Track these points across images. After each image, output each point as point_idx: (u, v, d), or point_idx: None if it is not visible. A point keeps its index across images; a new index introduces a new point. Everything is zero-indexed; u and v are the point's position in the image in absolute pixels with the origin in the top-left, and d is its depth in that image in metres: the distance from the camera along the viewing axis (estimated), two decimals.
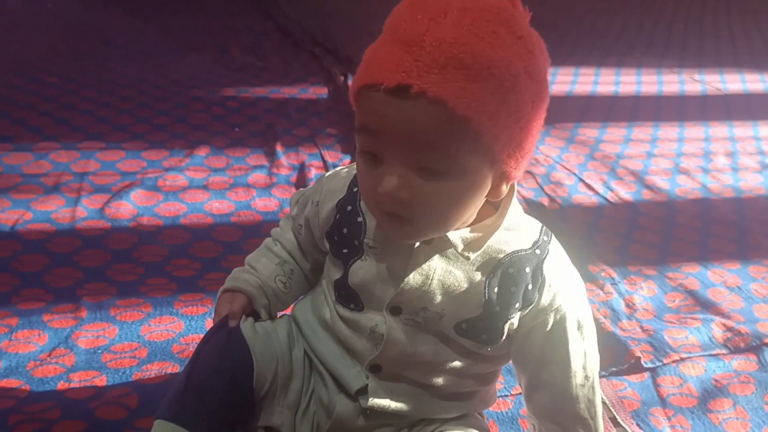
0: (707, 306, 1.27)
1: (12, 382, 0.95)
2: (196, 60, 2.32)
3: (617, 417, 1.00)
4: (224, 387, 0.75)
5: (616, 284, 1.31)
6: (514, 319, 0.74)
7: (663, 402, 1.04)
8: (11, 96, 1.90)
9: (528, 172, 1.73)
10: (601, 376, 1.07)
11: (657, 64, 2.74)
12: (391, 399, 0.78)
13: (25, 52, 2.25)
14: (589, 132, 2.03)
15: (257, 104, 1.98)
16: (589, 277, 1.32)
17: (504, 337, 0.75)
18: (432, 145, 0.61)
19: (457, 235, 0.70)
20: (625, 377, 1.08)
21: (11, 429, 0.87)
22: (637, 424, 0.99)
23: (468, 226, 0.71)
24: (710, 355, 1.14)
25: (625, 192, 1.69)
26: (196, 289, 1.18)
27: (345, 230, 0.76)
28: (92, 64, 2.19)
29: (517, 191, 1.60)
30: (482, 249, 0.71)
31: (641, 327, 1.19)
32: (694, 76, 2.65)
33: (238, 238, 1.36)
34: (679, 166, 1.87)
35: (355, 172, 0.77)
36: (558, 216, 1.54)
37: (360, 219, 0.75)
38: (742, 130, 2.17)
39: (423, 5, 0.62)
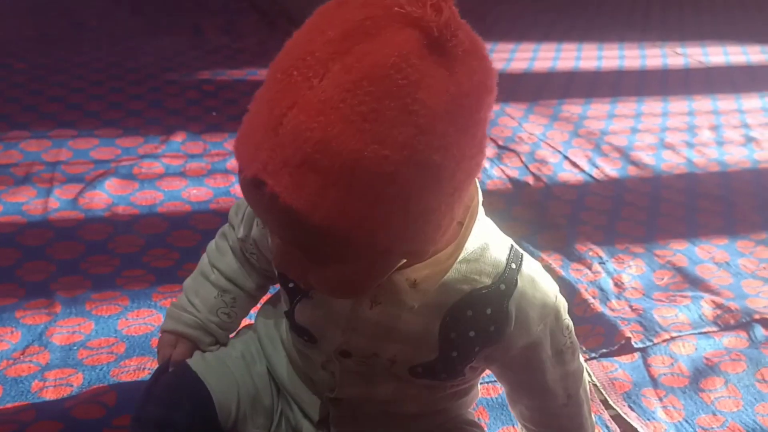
0: (696, 283, 1.26)
1: None
2: (169, 42, 2.25)
3: (609, 399, 0.98)
4: (186, 422, 0.71)
5: (603, 263, 1.29)
6: (476, 359, 0.67)
7: (654, 382, 1.02)
8: None
9: (512, 150, 1.71)
10: (591, 358, 1.05)
11: (639, 38, 2.72)
12: (357, 426, 0.74)
13: None
14: (572, 109, 2.01)
15: (234, 87, 1.93)
16: (576, 257, 1.30)
17: (467, 374, 0.69)
18: (295, 239, 0.54)
19: (403, 278, 0.61)
20: (615, 358, 1.06)
21: None
22: (629, 406, 0.98)
23: (420, 261, 0.61)
24: (700, 333, 1.12)
25: (610, 169, 1.67)
26: (174, 280, 1.14)
27: None
28: (61, 47, 2.12)
29: (502, 170, 1.59)
30: (435, 288, 0.62)
31: (630, 306, 1.18)
32: (676, 49, 2.63)
33: (217, 225, 1.28)
34: (664, 141, 1.86)
35: None
36: (543, 194, 1.52)
37: None
38: (725, 103, 2.16)
39: (309, 50, 0.50)
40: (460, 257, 0.62)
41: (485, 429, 0.83)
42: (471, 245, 0.63)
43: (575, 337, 0.71)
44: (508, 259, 0.65)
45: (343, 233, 0.50)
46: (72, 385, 0.92)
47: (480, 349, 0.66)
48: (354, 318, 0.66)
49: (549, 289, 0.67)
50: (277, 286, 0.75)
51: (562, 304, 0.69)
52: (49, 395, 0.90)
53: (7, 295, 1.07)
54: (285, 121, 0.49)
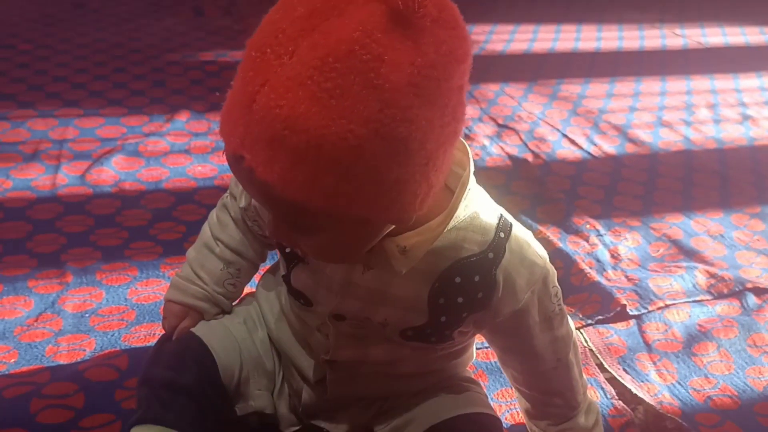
0: (691, 254, 1.29)
1: (0, 348, 0.95)
2: (170, 23, 2.27)
3: (604, 363, 1.01)
4: (192, 383, 0.74)
5: (601, 236, 1.32)
6: (465, 324, 0.70)
7: (649, 347, 1.05)
8: None
9: (511, 129, 1.73)
10: (587, 324, 1.08)
11: (638, 19, 2.73)
12: (353, 387, 0.77)
13: None
14: (571, 88, 2.03)
15: (236, 67, 1.93)
16: (573, 230, 1.33)
17: (455, 338, 0.72)
18: (279, 211, 0.57)
19: (393, 245, 0.63)
20: (611, 325, 1.09)
21: (0, 392, 0.87)
22: (624, 369, 1.01)
23: (410, 229, 0.62)
24: (694, 302, 1.15)
25: (608, 146, 1.69)
26: (181, 252, 1.16)
27: None
28: (65, 28, 2.14)
29: (502, 148, 1.61)
30: (425, 255, 0.64)
31: (626, 276, 1.21)
32: (675, 30, 2.64)
33: None
34: (662, 119, 1.88)
35: None
36: (542, 171, 1.54)
37: None
38: (723, 82, 2.18)
39: (281, 28, 0.52)
40: (450, 225, 0.64)
41: (482, 385, 0.85)
42: (461, 214, 0.65)
43: (563, 304, 0.73)
44: (497, 228, 0.66)
45: (318, 206, 0.52)
46: (85, 350, 0.95)
47: (468, 315, 0.68)
48: (347, 283, 0.68)
49: (537, 258, 0.69)
50: (277, 253, 0.78)
51: (551, 271, 0.71)
52: (63, 359, 0.94)
53: (20, 266, 1.10)
54: (258, 98, 0.50)
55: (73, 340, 0.97)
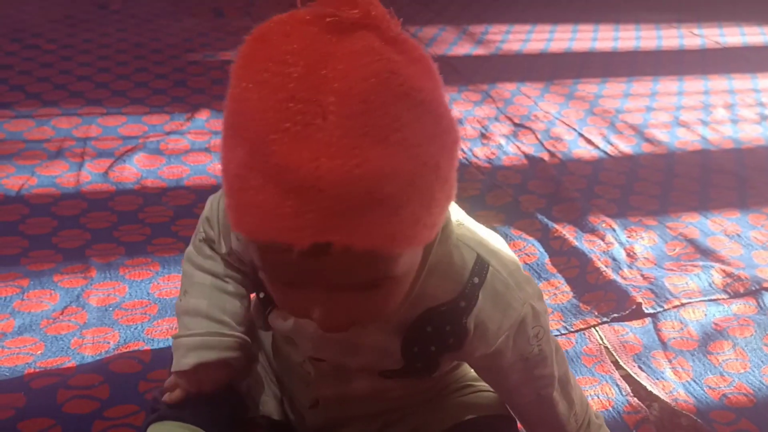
0: (707, 254, 1.29)
1: (26, 340, 0.97)
2: (191, 23, 2.30)
3: (619, 360, 1.02)
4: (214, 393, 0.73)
5: (617, 235, 1.32)
6: (443, 365, 0.68)
7: (664, 345, 1.06)
8: (8, 62, 1.89)
9: (527, 128, 1.74)
10: (602, 322, 1.09)
11: (655, 18, 2.72)
12: (345, 412, 0.76)
13: (19, 18, 2.23)
14: (588, 88, 2.03)
15: None
16: (589, 229, 1.34)
17: (439, 371, 0.69)
18: (363, 282, 0.52)
19: None
20: (626, 323, 1.10)
21: (27, 383, 0.89)
22: (639, 367, 1.02)
23: None
24: (710, 300, 1.16)
25: (624, 145, 1.70)
26: None
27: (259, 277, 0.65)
28: (87, 29, 2.18)
29: (518, 147, 1.62)
30: (395, 311, 0.60)
31: (642, 275, 1.21)
32: (692, 30, 2.64)
33: None
34: (679, 119, 1.88)
35: None
36: (558, 170, 1.55)
37: None
38: (741, 82, 2.17)
39: (282, 95, 0.46)
40: (423, 273, 0.61)
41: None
42: (434, 257, 0.61)
43: (549, 344, 0.68)
44: (471, 273, 0.63)
45: (405, 251, 0.51)
46: (109, 343, 0.98)
47: (443, 357, 0.67)
48: (319, 334, 0.63)
49: (515, 300, 0.64)
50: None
51: (532, 312, 0.65)
52: (88, 352, 0.96)
53: (46, 261, 1.13)
54: (320, 174, 0.45)
55: (98, 333, 0.99)
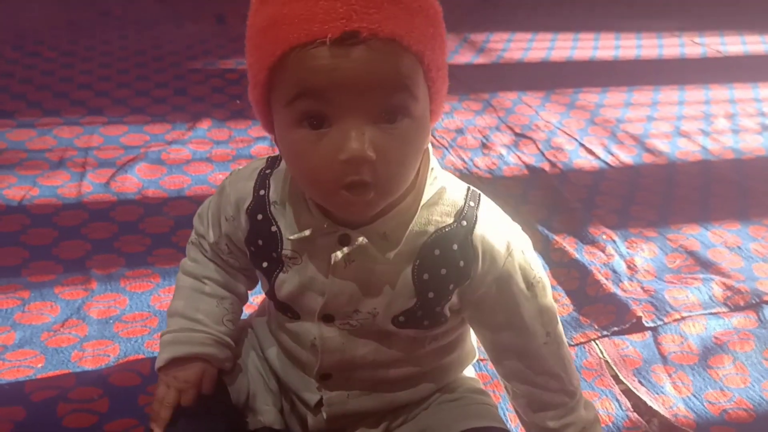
0: (707, 266, 1.29)
1: (27, 353, 0.97)
2: (192, 30, 2.31)
3: (619, 374, 1.02)
4: (205, 402, 0.75)
5: (617, 246, 1.32)
6: (454, 298, 0.70)
7: (664, 360, 1.06)
8: (9, 70, 1.90)
9: (528, 138, 1.74)
10: (602, 336, 1.09)
11: (657, 27, 2.73)
12: (350, 406, 0.77)
13: (20, 25, 2.24)
14: (589, 97, 2.03)
15: None
16: (590, 240, 1.34)
17: (448, 317, 0.72)
18: (393, 84, 0.58)
19: (373, 231, 0.66)
20: (626, 336, 1.10)
21: (28, 396, 0.90)
22: (639, 381, 1.01)
23: (384, 214, 0.65)
24: (710, 314, 1.16)
25: (625, 156, 1.70)
26: None
27: (260, 242, 0.71)
28: (88, 36, 2.18)
29: (519, 157, 1.62)
30: (404, 238, 0.66)
31: (642, 287, 1.21)
32: (694, 38, 2.64)
33: None
34: (680, 129, 1.88)
35: (258, 167, 0.72)
36: (559, 180, 1.55)
37: (274, 229, 0.70)
38: (742, 92, 2.17)
39: None
40: (421, 203, 0.67)
41: (490, 396, 0.84)
42: (429, 191, 0.67)
43: (545, 273, 0.73)
44: (466, 198, 0.69)
45: (426, 61, 0.59)
46: (109, 356, 0.98)
47: (454, 287, 0.69)
48: (331, 280, 0.68)
49: (510, 225, 0.72)
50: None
51: (526, 239, 0.72)
52: (88, 364, 0.96)
53: (46, 272, 1.13)
54: None
55: (98, 346, 1.00)
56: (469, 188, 0.71)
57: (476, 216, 0.68)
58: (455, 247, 0.68)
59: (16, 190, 1.35)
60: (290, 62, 0.57)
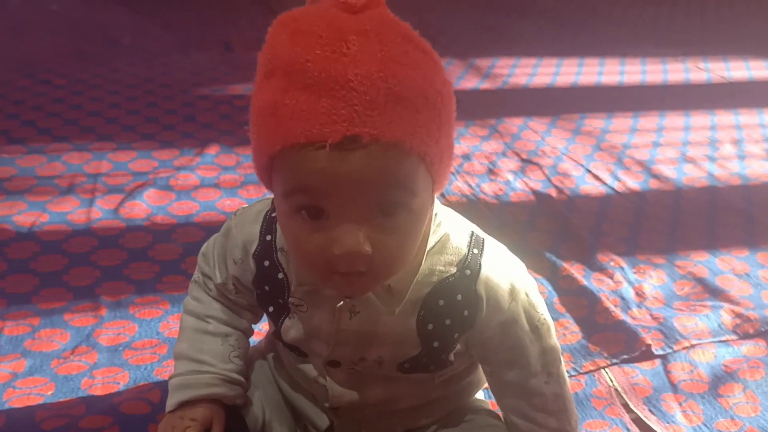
0: (716, 293, 1.29)
1: (37, 380, 0.97)
2: (200, 57, 2.33)
3: (629, 403, 1.02)
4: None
5: (625, 273, 1.32)
6: (459, 345, 0.71)
7: (674, 388, 1.06)
8: (20, 98, 1.92)
9: (535, 164, 1.75)
10: (612, 364, 1.09)
11: (661, 53, 2.75)
12: (362, 429, 0.78)
13: (31, 53, 2.26)
14: (594, 123, 2.04)
15: None
16: (598, 267, 1.34)
17: (453, 360, 0.72)
18: (391, 186, 0.57)
19: (379, 285, 0.65)
20: (636, 364, 1.09)
21: (39, 425, 0.89)
22: (649, 410, 1.01)
23: None
24: (720, 342, 1.15)
25: (632, 182, 1.70)
26: None
27: (266, 287, 0.72)
28: (98, 64, 2.20)
29: (525, 183, 1.63)
30: (408, 290, 0.67)
31: (651, 315, 1.21)
32: (698, 64, 2.66)
33: None
34: (686, 154, 1.88)
35: (263, 210, 0.72)
36: (566, 207, 1.56)
37: (281, 276, 0.70)
38: (747, 117, 2.18)
39: (310, 37, 0.55)
40: (425, 252, 0.67)
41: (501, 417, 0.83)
42: (432, 239, 0.67)
43: (548, 314, 0.74)
44: (469, 246, 0.69)
45: (429, 159, 0.58)
46: (119, 383, 0.98)
47: (459, 336, 0.70)
48: (336, 330, 0.69)
49: (515, 269, 0.72)
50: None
51: (531, 283, 0.73)
52: (98, 392, 0.96)
53: (56, 299, 1.14)
54: (350, 77, 0.54)
55: (108, 374, 1.00)
56: (472, 234, 0.70)
57: (480, 264, 0.68)
58: (459, 297, 0.68)
59: (26, 216, 1.36)
60: (289, 158, 0.56)
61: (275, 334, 0.76)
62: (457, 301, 0.68)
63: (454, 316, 0.68)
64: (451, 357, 0.72)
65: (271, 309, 0.73)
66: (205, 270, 0.79)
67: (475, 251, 0.69)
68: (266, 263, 0.71)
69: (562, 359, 0.76)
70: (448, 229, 0.69)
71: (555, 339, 0.75)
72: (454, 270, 0.68)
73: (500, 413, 0.80)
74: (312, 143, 0.54)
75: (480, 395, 0.87)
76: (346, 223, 0.57)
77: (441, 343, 0.70)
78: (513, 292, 0.70)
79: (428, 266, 0.67)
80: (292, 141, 0.55)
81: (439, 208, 0.69)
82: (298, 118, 0.55)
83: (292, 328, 0.72)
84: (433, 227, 0.68)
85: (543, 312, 0.73)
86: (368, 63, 0.54)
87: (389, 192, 0.57)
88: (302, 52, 0.55)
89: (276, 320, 0.73)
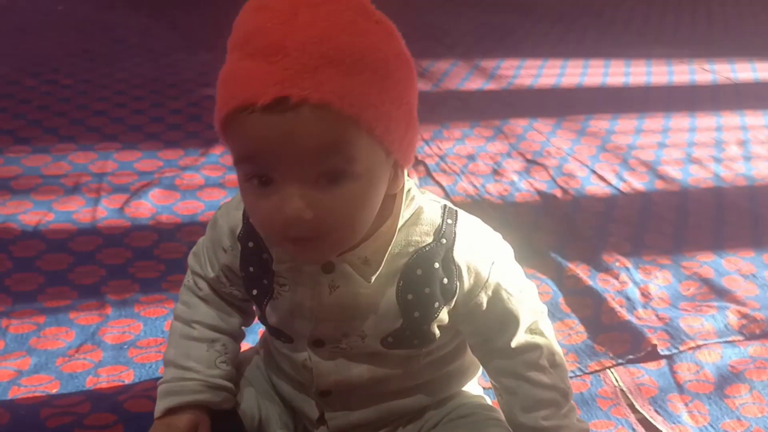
0: (722, 294, 1.28)
1: (42, 378, 0.98)
2: (205, 57, 2.33)
3: (635, 403, 1.01)
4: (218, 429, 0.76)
5: (630, 274, 1.32)
6: (442, 315, 0.71)
7: (680, 388, 1.05)
8: (26, 97, 1.92)
9: (540, 164, 1.74)
10: (617, 364, 1.09)
11: (666, 54, 2.74)
12: (352, 419, 0.78)
13: (37, 53, 2.27)
14: (600, 124, 2.04)
15: None
16: (603, 267, 1.33)
17: (438, 335, 0.72)
18: (326, 150, 0.58)
19: (355, 257, 0.67)
20: (641, 365, 1.09)
21: (43, 422, 0.90)
22: (655, 410, 1.01)
23: (364, 240, 0.66)
24: (726, 342, 1.15)
25: (637, 182, 1.70)
26: None
27: (251, 269, 0.73)
28: (104, 64, 2.21)
29: (530, 183, 1.63)
30: (384, 261, 0.67)
31: (657, 315, 1.21)
32: (704, 65, 2.65)
33: None
34: (691, 155, 1.88)
35: None
36: (571, 207, 1.55)
37: (265, 256, 0.71)
38: (753, 118, 2.17)
39: (267, 11, 0.58)
40: (399, 225, 0.68)
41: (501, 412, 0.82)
42: (406, 213, 0.69)
43: (527, 279, 0.76)
44: (443, 216, 0.70)
45: (366, 120, 0.58)
46: (124, 381, 0.98)
47: (440, 305, 0.70)
48: (317, 306, 0.70)
49: (490, 236, 0.74)
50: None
51: (508, 248, 0.75)
52: (103, 390, 0.96)
53: (61, 297, 1.14)
54: (287, 42, 0.56)
55: (113, 372, 1.00)
56: (445, 206, 0.72)
57: (455, 232, 0.70)
58: (437, 265, 0.69)
59: (31, 215, 1.37)
60: (232, 125, 0.59)
61: (261, 319, 0.76)
62: (435, 270, 0.69)
63: (434, 285, 0.69)
64: (435, 329, 0.72)
65: (255, 292, 0.73)
66: (196, 269, 0.79)
67: (449, 221, 0.70)
68: (250, 244, 0.72)
69: (548, 318, 0.77)
70: (422, 203, 0.70)
71: (539, 299, 0.77)
72: (429, 239, 0.69)
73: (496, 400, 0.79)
74: (246, 107, 0.56)
75: (477, 389, 0.86)
76: (287, 189, 0.59)
77: (422, 312, 0.70)
78: (492, 258, 0.71)
79: (404, 237, 0.69)
80: (232, 106, 0.57)
81: (411, 185, 0.70)
82: (238, 83, 0.57)
83: (276, 309, 0.73)
84: (406, 201, 0.69)
85: (522, 276, 0.75)
86: (308, 30, 0.56)
87: (323, 156, 0.58)
88: (255, 24, 0.58)
89: (260, 302, 0.74)
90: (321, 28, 0.57)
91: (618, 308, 1.19)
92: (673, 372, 1.08)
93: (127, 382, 0.98)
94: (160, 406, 0.76)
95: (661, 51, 2.77)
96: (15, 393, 0.95)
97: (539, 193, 1.61)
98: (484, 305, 0.72)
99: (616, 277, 1.30)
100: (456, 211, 0.72)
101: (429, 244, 0.69)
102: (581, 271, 1.30)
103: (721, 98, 2.33)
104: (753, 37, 3.10)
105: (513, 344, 0.74)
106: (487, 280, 0.71)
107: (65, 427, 0.88)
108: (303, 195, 0.59)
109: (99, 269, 1.22)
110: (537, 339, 0.75)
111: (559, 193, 1.61)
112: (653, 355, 1.10)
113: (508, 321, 0.73)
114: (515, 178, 1.67)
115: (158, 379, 0.97)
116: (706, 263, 1.38)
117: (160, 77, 2.13)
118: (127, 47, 2.40)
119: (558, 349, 0.77)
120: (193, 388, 0.76)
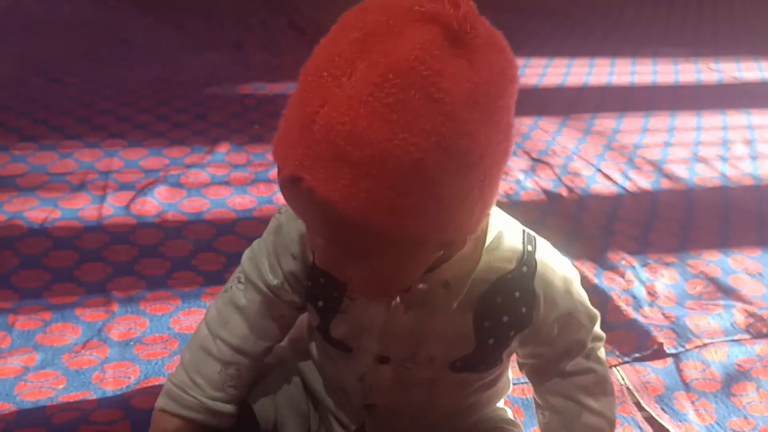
0: (729, 292, 1.28)
1: (49, 374, 0.98)
2: (211, 57, 2.33)
3: (641, 401, 1.01)
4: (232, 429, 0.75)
5: (636, 272, 1.32)
6: (514, 343, 0.71)
7: (686, 387, 1.05)
8: (32, 96, 1.93)
9: (545, 163, 1.74)
10: (624, 362, 1.08)
11: (672, 53, 2.73)
12: (393, 429, 0.77)
13: (44, 53, 2.28)
14: (605, 123, 2.04)
15: (274, 101, 2.00)
16: (609, 266, 1.33)
17: (504, 360, 0.73)
18: (334, 235, 0.56)
19: (434, 279, 0.64)
20: (648, 363, 1.09)
21: (49, 418, 0.90)
22: (662, 408, 1.00)
23: (444, 261, 0.63)
24: (732, 341, 1.14)
25: (643, 181, 1.69)
26: (222, 282, 1.16)
27: (322, 279, 0.70)
28: (110, 63, 2.22)
29: (536, 182, 1.63)
30: (466, 287, 0.65)
31: (663, 314, 1.20)
32: (710, 64, 2.64)
33: (261, 231, 1.36)
34: (697, 155, 1.87)
35: None
36: (577, 206, 1.55)
37: None
38: (759, 118, 2.16)
39: (336, 52, 0.53)
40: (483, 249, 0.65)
41: (521, 427, 0.85)
42: (488, 236, 0.66)
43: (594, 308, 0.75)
44: (524, 243, 0.68)
45: (377, 224, 0.52)
46: (130, 377, 0.98)
47: (515, 333, 0.69)
48: (389, 325, 0.68)
49: (565, 264, 0.72)
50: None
51: (576, 274, 0.73)
52: (109, 386, 0.96)
53: (68, 294, 1.14)
54: (317, 118, 0.51)
55: (119, 368, 1.00)
56: (524, 231, 0.70)
57: (535, 260, 0.68)
58: (517, 294, 0.68)
59: (38, 212, 1.37)
60: None
61: (319, 329, 0.73)
62: (515, 298, 0.67)
63: (512, 313, 0.68)
64: (504, 355, 0.71)
65: (320, 303, 0.71)
66: (252, 276, 0.74)
67: (530, 248, 0.68)
68: None
69: (603, 346, 0.76)
70: (501, 227, 0.68)
71: (599, 327, 0.76)
72: (512, 267, 0.67)
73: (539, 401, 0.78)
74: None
75: (500, 404, 0.86)
76: (317, 239, 0.59)
77: (496, 340, 0.69)
78: (567, 287, 0.70)
79: (485, 263, 0.66)
80: (274, 157, 0.57)
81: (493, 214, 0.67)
82: (278, 138, 0.56)
83: (343, 323, 0.70)
84: (486, 225, 0.66)
85: (589, 303, 0.74)
86: (342, 109, 0.51)
87: (333, 239, 0.57)
88: (317, 63, 0.54)
89: (325, 315, 0.71)
90: (355, 109, 0.51)
91: (624, 307, 1.18)
92: (679, 370, 1.08)
93: (133, 378, 0.98)
94: (160, 403, 0.76)
95: (666, 50, 2.77)
96: (21, 389, 0.95)
97: (545, 191, 1.61)
98: (555, 333, 0.71)
99: (622, 276, 1.30)
100: (534, 237, 0.70)
101: (511, 271, 0.67)
102: (587, 269, 1.30)
103: (727, 97, 2.32)
104: (759, 36, 3.09)
105: (569, 367, 0.74)
106: (562, 310, 0.70)
107: (71, 423, 0.88)
108: (327, 250, 0.58)
109: (105, 266, 1.22)
110: (593, 365, 0.74)
111: (564, 192, 1.61)
112: (659, 354, 1.10)
113: (574, 349, 0.73)
114: (521, 176, 1.66)
115: (164, 375, 0.98)
116: (712, 262, 1.38)
117: (166, 77, 2.13)
118: (133, 47, 2.40)
119: (610, 378, 0.77)
120: (190, 405, 0.74)
